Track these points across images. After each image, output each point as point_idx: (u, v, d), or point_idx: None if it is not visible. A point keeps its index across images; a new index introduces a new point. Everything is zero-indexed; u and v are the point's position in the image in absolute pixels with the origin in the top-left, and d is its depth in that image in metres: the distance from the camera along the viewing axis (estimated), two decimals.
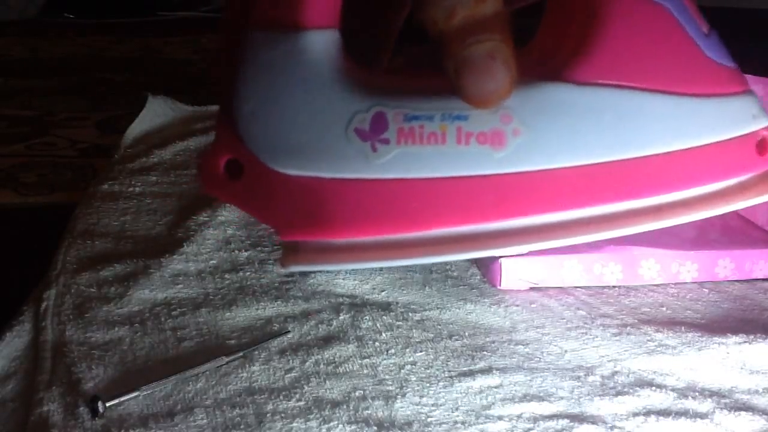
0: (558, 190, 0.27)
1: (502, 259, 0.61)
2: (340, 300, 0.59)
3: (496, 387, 0.48)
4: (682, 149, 0.29)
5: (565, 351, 0.53)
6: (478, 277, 0.64)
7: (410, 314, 0.57)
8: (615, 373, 0.50)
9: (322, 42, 0.26)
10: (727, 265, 0.65)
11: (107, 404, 0.44)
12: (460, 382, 0.49)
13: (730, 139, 0.30)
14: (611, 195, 0.29)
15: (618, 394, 0.48)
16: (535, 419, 0.45)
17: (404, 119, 0.26)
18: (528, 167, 0.27)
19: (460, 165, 0.26)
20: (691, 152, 0.29)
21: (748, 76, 0.74)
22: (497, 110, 0.26)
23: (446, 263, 0.65)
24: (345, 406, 0.46)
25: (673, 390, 0.48)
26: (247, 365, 0.50)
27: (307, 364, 0.50)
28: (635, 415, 0.46)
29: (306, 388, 0.47)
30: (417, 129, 0.26)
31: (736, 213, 0.77)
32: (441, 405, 0.46)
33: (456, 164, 0.26)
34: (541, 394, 0.48)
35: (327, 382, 0.48)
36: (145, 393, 0.46)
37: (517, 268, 0.62)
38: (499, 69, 0.26)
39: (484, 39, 0.26)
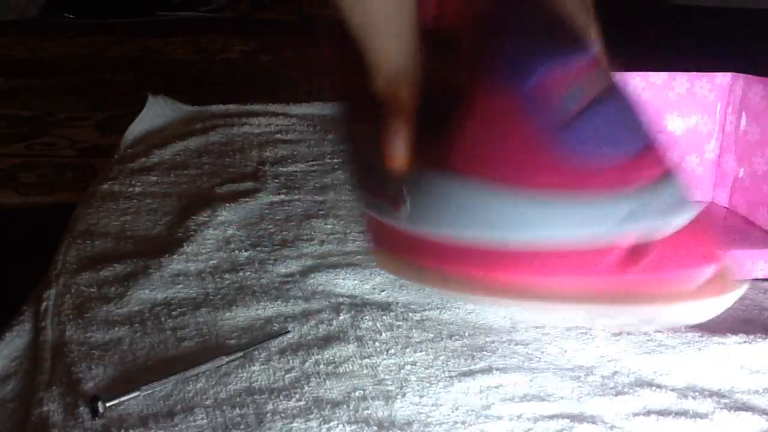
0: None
1: None
2: (340, 300, 0.59)
3: (496, 387, 0.48)
4: (528, 241, 0.31)
5: (565, 351, 0.53)
6: None
7: (410, 314, 0.57)
8: (615, 373, 0.50)
9: None
10: None
11: (107, 404, 0.44)
12: (460, 382, 0.49)
13: (579, 242, 0.30)
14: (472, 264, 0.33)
15: (618, 394, 0.48)
16: (535, 419, 0.45)
17: None
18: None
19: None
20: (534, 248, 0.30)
21: (748, 76, 0.75)
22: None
23: None
24: (345, 406, 0.46)
25: (673, 390, 0.48)
26: (247, 365, 0.50)
27: (307, 364, 0.50)
28: (635, 415, 0.46)
29: (306, 388, 0.47)
30: None
31: (736, 213, 0.77)
32: (441, 405, 0.46)
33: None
34: (541, 394, 0.48)
35: (327, 382, 0.48)
36: (145, 393, 0.46)
37: None
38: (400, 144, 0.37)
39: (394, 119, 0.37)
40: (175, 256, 0.65)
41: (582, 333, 0.56)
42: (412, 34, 0.38)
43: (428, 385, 0.48)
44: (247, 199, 0.80)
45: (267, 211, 0.77)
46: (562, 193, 0.31)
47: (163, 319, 0.56)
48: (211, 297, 0.59)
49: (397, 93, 0.38)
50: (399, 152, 0.37)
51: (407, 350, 0.52)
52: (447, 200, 0.33)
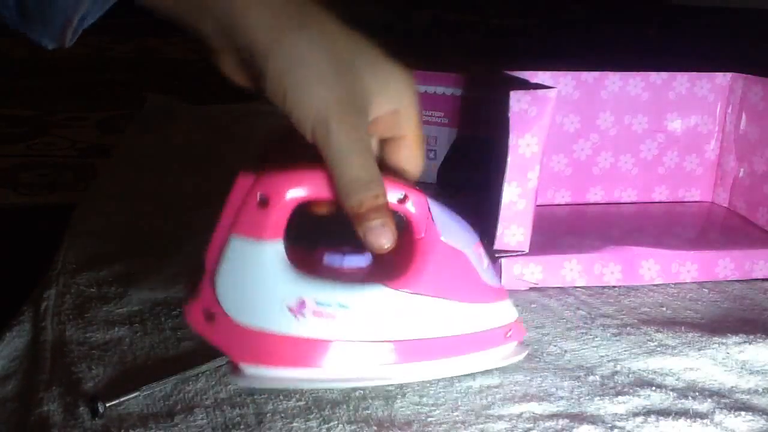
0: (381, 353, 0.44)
1: (502, 259, 0.62)
2: None
3: (496, 387, 0.48)
4: (458, 333, 0.46)
5: (565, 351, 0.53)
6: None
7: None
8: (615, 373, 0.50)
9: (272, 250, 0.43)
10: (727, 265, 0.65)
11: (107, 404, 0.44)
12: (460, 382, 0.49)
13: (489, 329, 0.47)
14: (409, 357, 0.45)
15: (618, 394, 0.48)
16: (535, 419, 0.45)
17: (315, 303, 0.43)
18: (374, 338, 0.44)
19: (340, 332, 0.43)
20: (464, 335, 0.46)
21: (748, 76, 0.75)
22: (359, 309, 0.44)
23: None
24: (345, 406, 0.46)
25: (673, 390, 0.48)
26: None
27: None
28: (635, 415, 0.46)
29: (307, 388, 0.47)
30: (321, 310, 0.43)
31: (736, 213, 0.77)
32: (441, 405, 0.46)
33: (339, 332, 0.43)
34: (541, 394, 0.48)
35: None
36: (145, 393, 0.46)
37: (517, 269, 0.62)
38: (388, 234, 0.42)
39: (379, 218, 0.42)
40: (175, 256, 0.65)
41: (582, 333, 0.56)
42: None
43: (428, 384, 0.48)
44: None
45: None
46: (482, 302, 0.47)
47: (163, 319, 0.56)
48: None
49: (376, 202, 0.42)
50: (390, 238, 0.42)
51: None
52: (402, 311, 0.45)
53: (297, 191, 0.43)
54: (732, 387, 0.49)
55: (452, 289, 0.45)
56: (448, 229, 0.45)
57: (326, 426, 0.44)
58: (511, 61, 0.74)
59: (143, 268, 0.63)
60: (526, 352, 0.49)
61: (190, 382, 0.48)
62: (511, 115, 0.59)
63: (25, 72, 1.73)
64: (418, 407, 0.46)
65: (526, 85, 0.62)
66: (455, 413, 0.45)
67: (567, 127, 0.75)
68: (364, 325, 0.44)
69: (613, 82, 0.74)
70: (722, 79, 0.76)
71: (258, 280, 0.43)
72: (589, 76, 0.74)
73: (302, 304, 0.42)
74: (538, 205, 0.77)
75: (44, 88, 1.55)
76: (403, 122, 0.44)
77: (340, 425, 0.44)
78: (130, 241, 0.70)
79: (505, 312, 0.47)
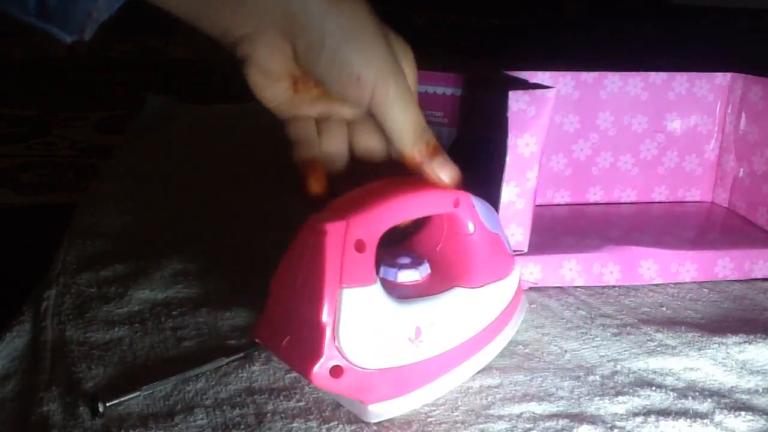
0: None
1: None
2: None
3: (496, 387, 0.48)
4: (505, 308, 0.51)
5: (565, 351, 0.53)
6: None
7: None
8: (615, 373, 0.50)
9: (378, 290, 0.43)
10: (726, 264, 0.65)
11: (107, 404, 0.44)
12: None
13: (517, 290, 0.52)
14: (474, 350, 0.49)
15: (618, 394, 0.48)
16: (535, 419, 0.45)
17: (428, 326, 0.45)
18: (466, 338, 0.48)
19: (449, 343, 0.47)
20: (507, 306, 0.51)
21: (748, 76, 0.75)
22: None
23: None
24: (345, 406, 0.46)
25: (673, 390, 0.48)
26: (247, 365, 0.50)
27: None
28: (635, 415, 0.46)
29: (306, 388, 0.47)
30: (431, 330, 0.45)
31: (736, 213, 0.77)
32: (441, 405, 0.46)
33: (448, 343, 0.47)
34: (541, 394, 0.48)
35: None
36: (146, 393, 0.46)
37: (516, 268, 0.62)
38: (451, 167, 0.46)
39: (442, 154, 0.46)
40: (175, 256, 0.65)
41: (582, 333, 0.56)
42: None
43: None
44: (248, 199, 0.80)
45: (268, 210, 0.77)
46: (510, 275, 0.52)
47: (163, 319, 0.56)
48: (211, 297, 0.59)
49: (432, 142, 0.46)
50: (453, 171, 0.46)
51: None
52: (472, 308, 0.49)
53: (382, 226, 0.43)
54: (732, 387, 0.49)
55: (499, 270, 0.50)
56: (490, 221, 0.49)
57: (326, 426, 0.44)
58: (511, 61, 0.74)
59: (143, 268, 0.63)
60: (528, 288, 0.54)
61: (190, 382, 0.48)
62: (509, 114, 0.59)
63: (25, 72, 1.73)
64: (418, 407, 0.46)
65: (524, 85, 0.62)
66: (455, 413, 0.45)
67: (566, 127, 0.75)
68: (459, 328, 0.47)
69: (612, 82, 0.75)
70: (722, 79, 0.76)
71: (378, 323, 0.43)
72: (588, 76, 0.74)
73: (418, 331, 0.45)
74: (537, 205, 0.77)
75: (44, 88, 1.55)
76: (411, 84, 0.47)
77: (341, 425, 0.44)
78: (130, 241, 0.70)
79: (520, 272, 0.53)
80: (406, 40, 0.47)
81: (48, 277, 0.61)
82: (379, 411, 0.44)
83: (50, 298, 0.58)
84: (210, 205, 0.78)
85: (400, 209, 0.44)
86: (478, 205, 0.49)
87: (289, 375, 0.49)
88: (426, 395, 0.46)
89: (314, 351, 0.41)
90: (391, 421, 0.44)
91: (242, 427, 0.44)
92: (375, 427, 0.44)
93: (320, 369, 0.41)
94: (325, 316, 0.41)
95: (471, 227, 0.48)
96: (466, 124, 0.80)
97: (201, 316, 0.56)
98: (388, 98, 0.43)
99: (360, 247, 0.42)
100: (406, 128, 0.44)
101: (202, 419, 0.44)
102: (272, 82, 0.45)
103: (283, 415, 0.45)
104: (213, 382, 0.48)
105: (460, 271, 0.48)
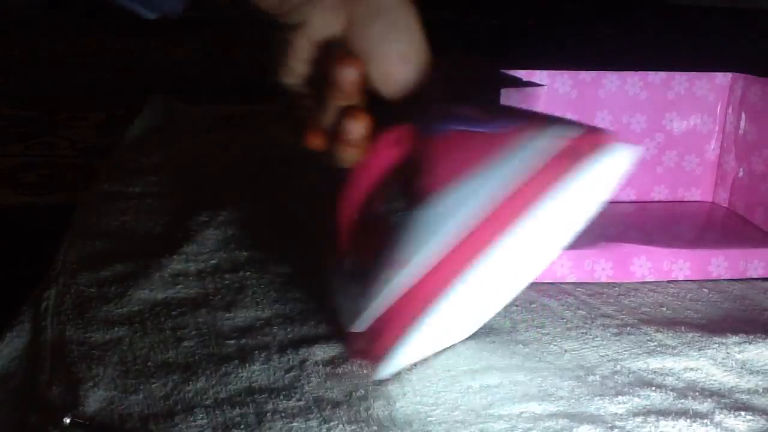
0: None
1: None
2: None
3: (496, 387, 0.48)
4: None
5: (565, 351, 0.53)
6: None
7: None
8: (615, 373, 0.50)
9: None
10: (720, 263, 0.65)
11: (74, 419, 0.43)
12: (460, 381, 0.49)
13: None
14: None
15: (618, 394, 0.48)
16: (535, 419, 0.45)
17: None
18: None
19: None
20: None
21: (748, 76, 0.75)
22: None
23: None
24: (345, 406, 0.46)
25: (673, 390, 0.48)
26: (247, 365, 0.50)
27: (307, 363, 0.50)
28: (635, 415, 0.46)
29: (306, 387, 0.47)
30: None
31: (736, 213, 0.77)
32: (441, 405, 0.46)
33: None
34: (541, 394, 0.48)
35: (327, 381, 0.48)
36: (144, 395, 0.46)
37: None
38: None
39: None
40: (175, 256, 0.65)
41: (582, 333, 0.56)
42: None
43: (428, 384, 0.48)
44: (248, 200, 0.80)
45: (268, 210, 0.77)
46: None
47: (163, 319, 0.56)
48: (211, 297, 0.59)
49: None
50: None
51: None
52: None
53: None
54: (732, 387, 0.49)
55: None
56: None
57: (326, 426, 0.44)
58: (510, 60, 0.74)
59: (143, 268, 0.63)
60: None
61: (190, 382, 0.48)
62: None
63: (25, 72, 1.73)
64: (418, 407, 0.46)
65: (517, 83, 0.62)
66: (455, 413, 0.45)
67: None
68: None
69: (611, 81, 0.75)
70: (722, 79, 0.76)
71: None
72: (586, 76, 0.74)
73: None
74: None
75: (44, 88, 1.55)
76: None
77: (341, 425, 0.44)
78: (130, 241, 0.70)
79: None
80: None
81: (48, 277, 0.61)
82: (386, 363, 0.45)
83: (50, 298, 0.58)
84: (210, 205, 0.78)
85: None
86: None
87: (289, 374, 0.49)
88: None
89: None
90: (391, 420, 0.45)
91: (242, 426, 0.44)
92: (375, 427, 0.44)
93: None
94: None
95: None
96: None
97: (201, 316, 0.56)
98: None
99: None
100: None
101: (202, 419, 0.44)
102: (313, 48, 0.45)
103: (283, 415, 0.45)
104: (213, 382, 0.48)
105: None
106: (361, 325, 0.45)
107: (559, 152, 0.41)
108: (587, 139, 0.43)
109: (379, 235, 0.45)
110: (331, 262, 0.50)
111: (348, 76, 0.44)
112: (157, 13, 0.43)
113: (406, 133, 0.45)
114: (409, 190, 0.44)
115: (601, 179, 0.44)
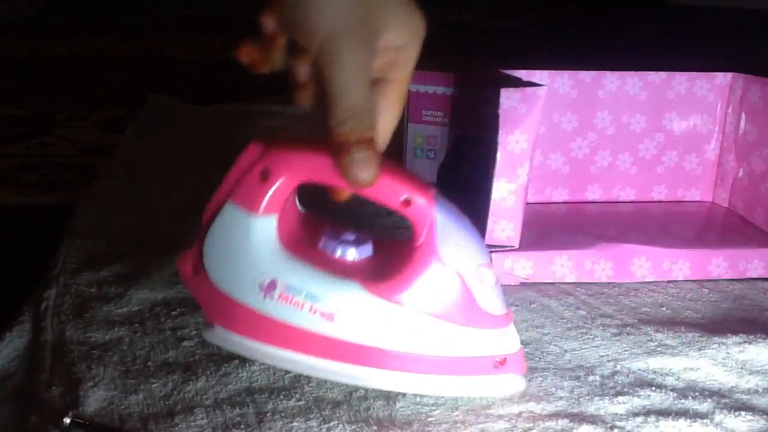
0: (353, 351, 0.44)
1: (492, 254, 0.62)
2: None
3: None
4: (433, 352, 0.44)
5: (565, 351, 0.53)
6: None
7: None
8: (615, 373, 0.50)
9: (262, 224, 0.44)
10: (720, 263, 0.65)
11: (75, 420, 0.43)
12: None
13: (473, 355, 0.45)
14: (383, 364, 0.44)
15: (618, 394, 0.48)
16: (535, 419, 0.45)
17: (285, 288, 0.43)
18: (338, 336, 0.44)
19: (305, 322, 0.43)
20: (440, 356, 0.44)
21: (748, 76, 0.75)
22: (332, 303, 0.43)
23: None
24: (345, 406, 0.46)
25: (673, 390, 0.48)
26: (247, 365, 0.50)
27: None
28: (635, 415, 0.46)
29: (306, 387, 0.47)
30: (290, 296, 0.43)
31: (736, 213, 0.77)
32: (441, 405, 0.46)
33: (303, 321, 0.43)
34: (541, 394, 0.48)
35: (327, 381, 0.48)
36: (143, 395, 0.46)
37: (508, 263, 0.62)
38: (371, 168, 0.40)
39: (365, 150, 0.40)
40: (175, 256, 0.65)
41: (582, 333, 0.56)
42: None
43: None
44: None
45: None
46: (473, 326, 0.45)
47: (162, 319, 0.56)
48: None
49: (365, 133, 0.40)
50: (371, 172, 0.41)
51: None
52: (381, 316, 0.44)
53: (300, 171, 0.43)
54: (732, 387, 0.49)
55: (437, 306, 0.43)
56: (451, 244, 0.43)
57: (326, 426, 0.44)
58: (510, 60, 0.74)
59: (143, 268, 0.63)
60: (523, 387, 0.46)
61: (190, 382, 0.48)
62: (501, 112, 0.59)
63: (25, 72, 1.74)
64: (418, 407, 0.46)
65: (517, 83, 0.62)
66: (455, 413, 0.45)
67: (564, 125, 0.75)
68: (330, 320, 0.43)
69: (610, 81, 0.75)
70: (722, 79, 0.76)
71: (240, 250, 0.43)
72: (586, 76, 0.74)
73: (272, 284, 0.43)
74: (536, 203, 0.77)
75: (44, 88, 1.55)
76: (399, 65, 0.43)
77: (341, 425, 0.44)
78: (130, 241, 0.70)
79: (498, 341, 0.45)
80: (418, 9, 0.42)
81: (48, 277, 0.61)
82: (218, 334, 0.45)
83: (50, 298, 0.58)
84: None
85: (328, 169, 0.41)
86: (449, 227, 0.44)
87: (288, 374, 0.49)
88: (268, 356, 0.44)
89: (188, 244, 0.45)
90: (391, 420, 0.45)
91: (242, 426, 0.44)
92: (375, 427, 0.44)
93: (185, 260, 0.45)
94: (205, 218, 0.44)
95: (419, 239, 0.43)
96: (465, 123, 0.80)
97: (201, 316, 0.56)
98: (333, 61, 0.38)
99: (265, 174, 0.43)
100: (342, 104, 0.39)
101: (202, 419, 0.44)
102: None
103: (283, 415, 0.45)
104: (213, 382, 0.48)
105: (382, 275, 0.44)
106: None
107: None
108: None
109: None
110: None
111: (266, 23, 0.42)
112: None
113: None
114: None
115: None
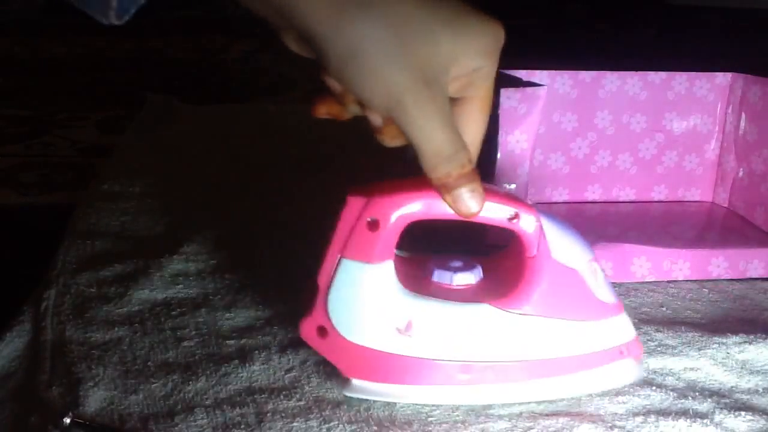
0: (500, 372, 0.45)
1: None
2: None
3: None
4: (571, 353, 0.46)
5: None
6: None
7: None
8: None
9: (381, 272, 0.44)
10: (720, 263, 0.65)
11: (75, 420, 0.43)
12: None
13: (603, 348, 0.46)
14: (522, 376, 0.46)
15: (618, 394, 0.48)
16: (535, 418, 0.45)
17: (423, 324, 0.44)
18: (482, 359, 0.45)
19: (449, 354, 0.45)
20: (577, 355, 0.46)
21: (748, 76, 0.75)
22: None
23: None
24: (345, 406, 0.46)
25: (673, 390, 0.48)
26: (247, 365, 0.50)
27: (308, 363, 0.50)
28: (635, 414, 0.46)
29: (306, 387, 0.47)
30: (429, 330, 0.44)
31: (736, 213, 0.77)
32: (441, 405, 0.46)
33: (447, 353, 0.45)
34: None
35: (327, 381, 0.48)
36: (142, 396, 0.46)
37: None
38: (477, 198, 0.41)
39: (466, 184, 0.41)
40: (175, 256, 0.65)
41: None
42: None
43: None
44: (248, 199, 0.80)
45: (268, 210, 0.77)
46: (595, 319, 0.46)
47: (163, 319, 0.56)
48: (211, 297, 0.59)
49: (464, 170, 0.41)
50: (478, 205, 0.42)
51: None
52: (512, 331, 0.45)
53: (405, 214, 0.44)
54: (732, 387, 0.49)
55: (564, 308, 0.45)
56: (561, 246, 0.45)
57: (326, 426, 0.44)
58: (509, 60, 0.74)
59: (143, 268, 0.63)
60: (644, 373, 0.48)
61: (190, 382, 0.48)
62: (500, 112, 0.59)
63: (25, 72, 1.73)
64: (419, 407, 0.46)
65: (517, 83, 0.62)
66: (455, 413, 0.45)
67: (564, 125, 0.75)
68: (471, 346, 0.45)
69: (611, 81, 0.75)
70: (722, 79, 0.76)
71: (367, 301, 0.44)
72: (587, 75, 0.74)
73: (410, 325, 0.44)
74: (536, 203, 0.77)
75: (44, 88, 1.55)
76: (477, 83, 0.42)
77: (341, 425, 0.44)
78: (130, 241, 0.70)
79: (620, 328, 0.47)
80: (491, 20, 0.40)
81: (48, 277, 0.61)
82: (357, 386, 0.45)
83: (50, 298, 0.58)
84: (210, 205, 0.78)
85: (432, 204, 0.43)
86: (554, 231, 0.45)
87: (289, 374, 0.49)
88: (413, 395, 0.45)
89: (307, 308, 0.45)
90: (391, 420, 0.45)
91: (242, 426, 0.44)
92: (375, 427, 0.44)
93: (307, 324, 0.45)
94: (323, 279, 0.45)
95: (533, 250, 0.45)
96: None
97: (201, 316, 0.56)
98: (405, 121, 0.39)
99: (373, 225, 0.43)
100: (425, 155, 0.40)
101: (202, 419, 0.44)
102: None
103: (283, 415, 0.45)
104: (213, 382, 0.48)
105: (505, 291, 0.46)
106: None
107: None
108: None
109: None
110: None
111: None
112: (108, 21, 0.41)
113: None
114: None
115: None
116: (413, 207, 0.44)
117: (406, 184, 0.44)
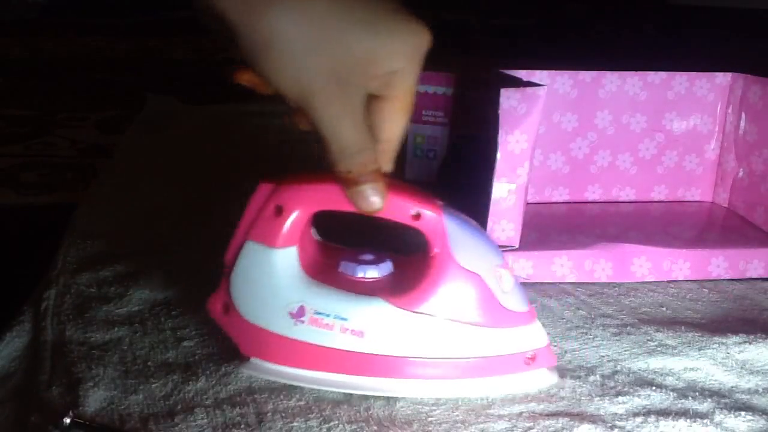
0: (388, 365, 0.45)
1: None
2: None
3: None
4: (467, 356, 0.45)
5: (566, 351, 0.53)
6: None
7: None
8: (615, 373, 0.50)
9: (283, 257, 0.46)
10: (720, 263, 0.65)
11: (75, 420, 0.43)
12: None
13: (505, 354, 0.46)
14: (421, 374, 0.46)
15: (618, 394, 0.48)
16: (535, 418, 0.45)
17: (314, 312, 0.45)
18: (371, 351, 0.45)
19: (337, 342, 0.45)
20: (474, 358, 0.46)
21: (748, 76, 0.75)
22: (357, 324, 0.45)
23: None
24: (346, 406, 0.46)
25: (673, 390, 0.48)
26: None
27: None
28: (635, 415, 0.46)
29: (306, 387, 0.47)
30: (319, 319, 0.45)
31: (736, 213, 0.77)
32: (441, 405, 0.46)
33: (336, 341, 0.45)
34: (541, 394, 0.48)
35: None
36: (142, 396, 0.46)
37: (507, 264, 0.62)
38: (377, 196, 0.43)
39: (368, 182, 0.42)
40: (175, 256, 0.65)
41: (582, 333, 0.56)
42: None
43: None
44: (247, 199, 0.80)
45: None
46: (500, 327, 0.46)
47: (162, 319, 0.56)
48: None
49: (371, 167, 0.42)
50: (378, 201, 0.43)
51: None
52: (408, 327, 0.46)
53: (311, 203, 0.45)
54: (732, 387, 0.49)
55: (461, 311, 0.45)
56: (465, 249, 0.45)
57: (326, 425, 0.44)
58: (510, 60, 0.74)
59: (143, 268, 0.63)
60: (555, 380, 0.48)
61: (190, 382, 0.48)
62: (500, 112, 0.59)
63: (25, 72, 1.73)
64: (419, 407, 0.46)
65: (517, 83, 0.62)
66: (455, 413, 0.45)
67: (564, 125, 0.75)
68: (362, 338, 0.45)
69: (610, 81, 0.75)
70: (722, 79, 0.76)
71: (266, 283, 0.46)
72: (586, 75, 0.74)
73: (302, 310, 0.45)
74: (536, 203, 0.77)
75: (44, 88, 1.55)
76: (396, 83, 0.42)
77: (341, 425, 0.44)
78: (130, 241, 0.70)
79: (526, 337, 0.46)
80: (416, 23, 0.40)
81: (48, 277, 0.61)
82: (254, 366, 0.46)
83: (50, 298, 0.58)
84: (210, 204, 0.78)
85: (337, 198, 0.43)
86: (460, 233, 0.45)
87: None
88: (305, 379, 0.46)
89: (215, 285, 0.47)
90: (391, 420, 0.45)
91: (242, 426, 0.44)
92: (375, 427, 0.44)
93: (214, 300, 0.47)
94: (228, 259, 0.46)
95: (434, 249, 0.45)
96: (466, 123, 0.80)
97: (201, 316, 0.56)
98: (314, 114, 0.40)
99: (278, 211, 0.45)
100: (331, 148, 0.41)
101: (202, 419, 0.44)
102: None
103: (283, 415, 0.45)
104: (213, 382, 0.48)
105: (408, 288, 0.45)
106: None
107: None
108: None
109: None
110: None
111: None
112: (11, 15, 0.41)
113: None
114: None
115: None
116: (318, 197, 0.45)
117: (319, 176, 0.45)
